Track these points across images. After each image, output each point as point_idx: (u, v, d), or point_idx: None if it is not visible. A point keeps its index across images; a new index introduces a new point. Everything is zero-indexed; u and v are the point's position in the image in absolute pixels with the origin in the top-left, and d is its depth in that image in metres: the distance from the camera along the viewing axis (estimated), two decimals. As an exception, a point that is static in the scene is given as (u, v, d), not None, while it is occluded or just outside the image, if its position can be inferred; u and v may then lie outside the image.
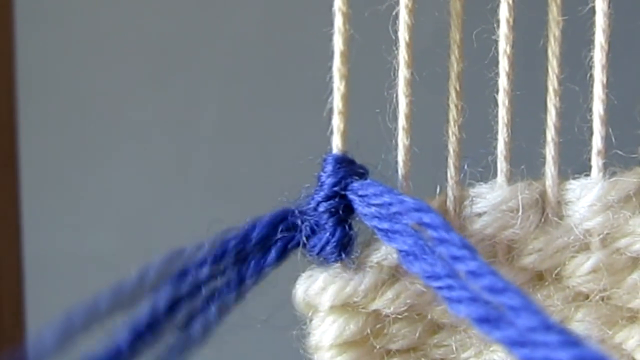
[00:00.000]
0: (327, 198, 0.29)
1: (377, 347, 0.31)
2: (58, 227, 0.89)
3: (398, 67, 0.30)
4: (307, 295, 0.31)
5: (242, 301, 0.29)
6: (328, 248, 0.29)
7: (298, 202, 0.30)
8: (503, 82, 0.31)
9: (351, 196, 0.29)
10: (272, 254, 0.29)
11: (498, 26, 0.31)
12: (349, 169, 0.29)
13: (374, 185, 0.29)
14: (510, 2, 0.30)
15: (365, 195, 0.29)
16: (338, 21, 0.29)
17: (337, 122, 0.30)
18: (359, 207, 0.29)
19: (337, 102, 0.30)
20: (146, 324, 0.27)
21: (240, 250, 0.29)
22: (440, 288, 0.26)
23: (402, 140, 0.30)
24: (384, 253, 0.30)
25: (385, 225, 0.28)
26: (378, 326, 0.31)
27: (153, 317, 0.28)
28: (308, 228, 0.29)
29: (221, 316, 0.29)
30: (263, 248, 0.29)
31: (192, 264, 0.28)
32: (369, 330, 0.31)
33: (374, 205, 0.28)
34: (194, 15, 0.90)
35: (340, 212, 0.29)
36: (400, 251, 0.28)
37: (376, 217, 0.28)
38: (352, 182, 0.29)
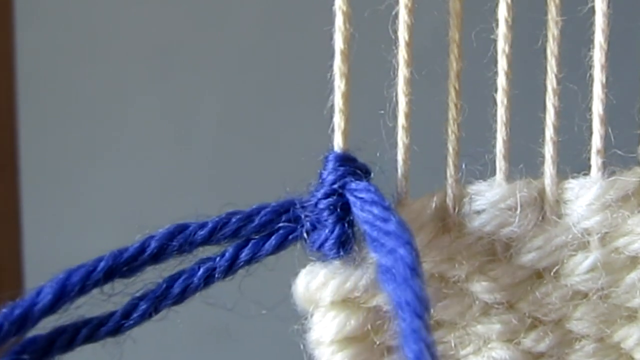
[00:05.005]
0: (326, 195, 0.30)
1: (378, 343, 0.31)
2: (58, 228, 0.89)
3: (398, 66, 0.30)
4: (307, 291, 0.31)
5: (230, 276, 0.30)
6: (327, 244, 0.30)
7: (302, 196, 0.30)
8: (502, 81, 0.31)
9: (348, 195, 0.29)
10: (272, 240, 0.30)
11: (497, 26, 0.31)
12: (348, 167, 0.30)
13: (370, 192, 0.29)
14: (509, 1, 0.31)
15: (361, 199, 0.29)
16: (339, 20, 0.30)
17: (338, 121, 0.30)
18: (354, 207, 0.29)
19: (338, 101, 0.30)
20: (129, 257, 0.29)
21: (241, 227, 0.30)
22: (403, 319, 0.26)
23: (401, 138, 0.31)
24: None
25: (374, 233, 0.28)
26: (378, 322, 0.31)
27: (138, 253, 0.29)
28: (309, 223, 0.30)
29: (206, 282, 0.30)
30: (264, 233, 0.30)
31: (193, 223, 0.29)
32: (369, 326, 0.31)
33: (366, 210, 0.29)
34: (196, 14, 0.90)
35: (339, 209, 0.29)
36: (380, 265, 0.28)
37: (367, 222, 0.29)
38: (351, 181, 0.30)
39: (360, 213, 0.29)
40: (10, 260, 0.74)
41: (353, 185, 0.29)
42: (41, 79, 0.86)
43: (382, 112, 0.30)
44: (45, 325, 0.29)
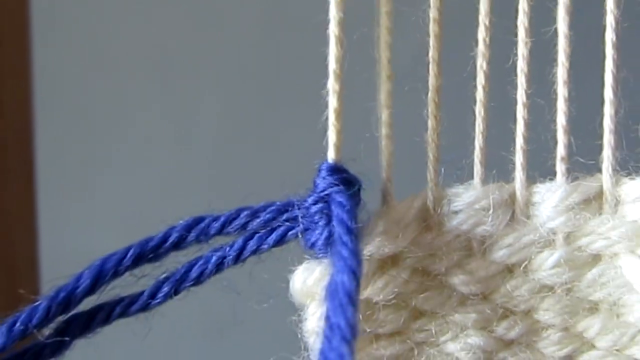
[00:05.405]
0: (316, 202, 0.32)
1: (368, 331, 0.33)
2: (71, 228, 0.91)
3: (380, 81, 0.32)
4: (305, 285, 0.32)
5: (238, 264, 0.32)
6: (317, 244, 0.32)
7: (300, 198, 0.32)
8: (479, 94, 0.33)
9: (332, 206, 0.31)
10: (273, 236, 0.32)
11: (476, 45, 0.33)
12: (338, 177, 0.32)
13: (343, 209, 0.31)
14: (487, 24, 0.33)
15: (337, 213, 0.31)
16: (332, 44, 0.31)
17: (331, 135, 0.32)
18: (333, 218, 0.31)
19: (331, 117, 0.32)
20: (154, 245, 0.31)
21: (248, 221, 0.32)
22: (330, 339, 0.27)
23: (385, 146, 0.32)
24: (375, 247, 0.32)
25: (334, 249, 0.30)
26: (368, 312, 0.33)
27: (162, 242, 0.31)
28: (303, 224, 0.32)
29: (217, 268, 0.32)
30: (268, 228, 0.32)
31: (208, 216, 0.32)
32: (360, 316, 0.32)
33: (337, 225, 0.30)
34: (194, 24, 0.91)
35: (326, 215, 0.31)
36: (329, 280, 0.29)
37: (336, 236, 0.30)
38: (336, 192, 0.31)
39: (335, 225, 0.30)
40: (28, 257, 0.75)
41: (337, 197, 0.31)
42: (55, 90, 0.88)
43: (368, 135, 0.32)
44: (86, 304, 0.31)
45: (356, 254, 0.29)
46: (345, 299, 0.27)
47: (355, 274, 0.28)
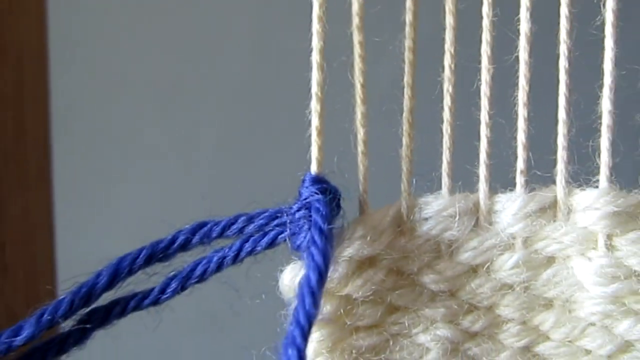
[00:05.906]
0: (299, 209, 0.34)
1: (348, 324, 0.35)
2: (86, 234, 0.94)
3: (355, 103, 0.34)
4: (292, 283, 0.34)
5: (236, 263, 0.34)
6: (303, 246, 0.34)
7: (288, 206, 0.35)
8: (446, 114, 0.35)
9: (312, 212, 0.34)
10: (265, 239, 0.35)
11: (443, 70, 0.35)
12: (318, 187, 0.34)
13: (319, 214, 0.33)
14: (453, 52, 0.35)
15: (314, 218, 0.33)
16: (314, 69, 0.34)
17: (313, 150, 0.34)
18: (312, 220, 0.33)
19: (313, 134, 0.34)
20: (164, 247, 0.34)
21: (245, 226, 0.35)
22: (290, 323, 0.29)
23: (361, 161, 0.35)
24: (354, 249, 0.34)
25: (308, 248, 0.32)
26: (349, 307, 0.35)
27: (170, 244, 0.34)
28: (290, 228, 0.34)
29: (218, 267, 0.35)
30: (261, 232, 0.35)
31: (210, 221, 0.34)
32: (341, 311, 0.35)
33: (312, 229, 0.33)
34: (197, 62, 0.95)
35: (309, 220, 0.34)
36: (303, 274, 0.32)
37: (310, 237, 0.33)
38: (316, 200, 0.33)
39: (310, 227, 0.33)
40: (45, 261, 0.77)
41: (315, 203, 0.33)
42: (71, 108, 0.90)
43: (342, 149, 0.34)
44: (104, 299, 0.34)
45: (325, 253, 0.31)
46: (307, 290, 0.30)
47: (320, 271, 0.31)
